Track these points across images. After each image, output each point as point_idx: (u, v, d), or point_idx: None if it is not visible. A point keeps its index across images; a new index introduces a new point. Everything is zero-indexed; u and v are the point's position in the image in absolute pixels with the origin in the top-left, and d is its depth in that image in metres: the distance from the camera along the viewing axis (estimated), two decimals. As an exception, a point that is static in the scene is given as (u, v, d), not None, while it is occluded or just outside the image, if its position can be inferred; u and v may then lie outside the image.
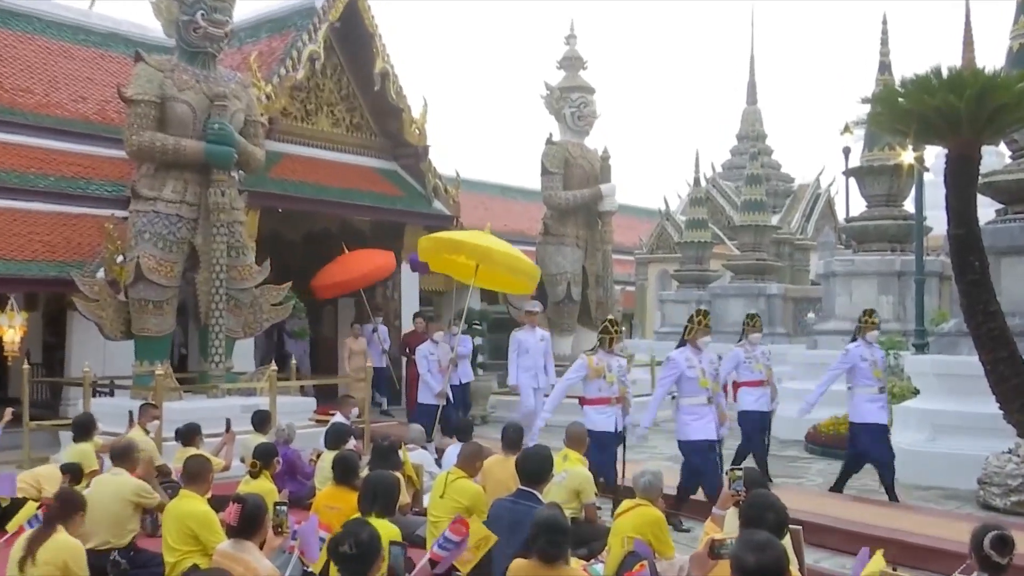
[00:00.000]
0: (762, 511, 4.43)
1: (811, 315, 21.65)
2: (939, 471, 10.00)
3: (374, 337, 16.77)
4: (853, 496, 9.85)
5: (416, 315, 16.48)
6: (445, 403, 12.76)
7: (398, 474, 6.81)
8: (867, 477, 10.84)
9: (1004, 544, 3.99)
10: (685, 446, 8.74)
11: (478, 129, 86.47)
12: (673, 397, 9.10)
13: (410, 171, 18.10)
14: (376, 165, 17.87)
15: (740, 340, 10.61)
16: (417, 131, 17.72)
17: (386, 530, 4.71)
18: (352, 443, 8.83)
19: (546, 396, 13.08)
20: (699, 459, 8.61)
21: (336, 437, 8.25)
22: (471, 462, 6.87)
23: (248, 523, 4.81)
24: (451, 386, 13.23)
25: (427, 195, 17.92)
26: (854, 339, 10.10)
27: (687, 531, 8.35)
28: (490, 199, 27.93)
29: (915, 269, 13.51)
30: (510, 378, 13.06)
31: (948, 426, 10.24)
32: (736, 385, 10.24)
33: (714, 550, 4.06)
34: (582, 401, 9.49)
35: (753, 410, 10.21)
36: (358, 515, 5.20)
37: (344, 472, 6.46)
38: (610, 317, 10.01)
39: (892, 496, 9.50)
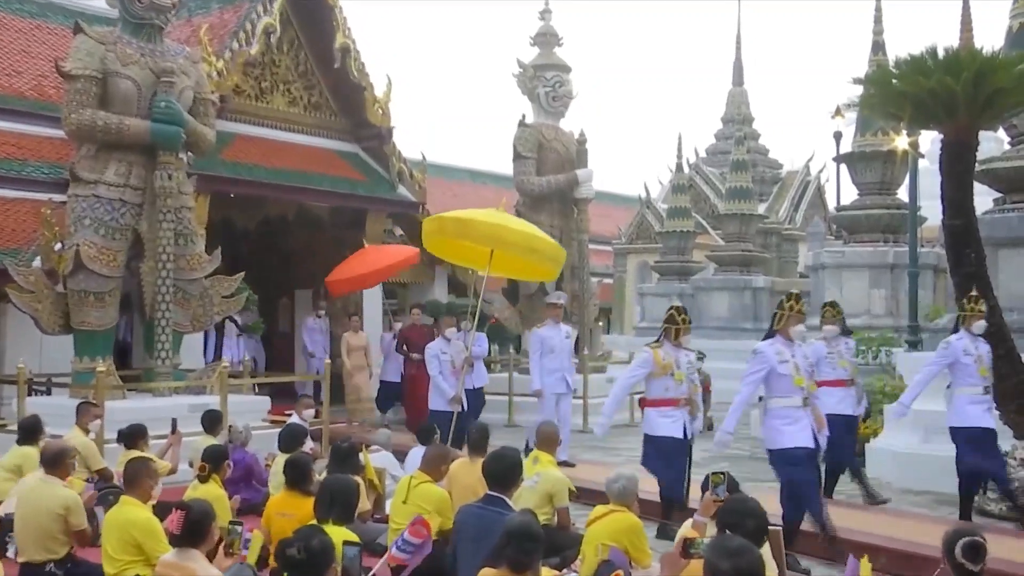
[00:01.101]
0: (741, 517, 4.45)
1: (799, 310, 21.78)
2: (932, 475, 10.09)
3: (392, 347, 15.79)
4: (842, 502, 9.93)
5: (414, 305, 15.98)
6: (460, 410, 11.70)
7: (358, 478, 6.80)
8: (856, 482, 10.93)
9: (976, 551, 4.06)
10: (778, 456, 7.69)
11: (446, 110, 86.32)
12: (760, 398, 8.10)
13: (373, 154, 18.03)
14: (336, 147, 17.78)
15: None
16: (380, 111, 17.62)
17: (345, 536, 4.70)
18: (309, 445, 8.79)
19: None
20: (798, 471, 7.58)
21: (291, 439, 8.21)
22: (436, 465, 6.87)
23: (193, 531, 4.76)
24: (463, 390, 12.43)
25: (391, 180, 17.86)
26: (956, 330, 9.33)
27: (806, 572, 7.44)
28: (459, 185, 27.92)
29: (909, 261, 13.60)
30: (533, 382, 12.08)
31: (942, 427, 10.27)
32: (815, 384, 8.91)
33: (686, 549, 4.09)
34: (643, 403, 8.82)
35: (836, 414, 9.12)
36: (313, 522, 5.17)
37: (296, 475, 6.41)
38: (676, 304, 9.22)
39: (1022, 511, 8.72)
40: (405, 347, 15.08)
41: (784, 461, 7.62)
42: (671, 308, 8.90)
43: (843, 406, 9.46)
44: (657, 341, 8.76)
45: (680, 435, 8.49)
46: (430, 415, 12.05)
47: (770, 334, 7.99)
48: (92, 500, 7.24)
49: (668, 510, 8.57)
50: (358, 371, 15.32)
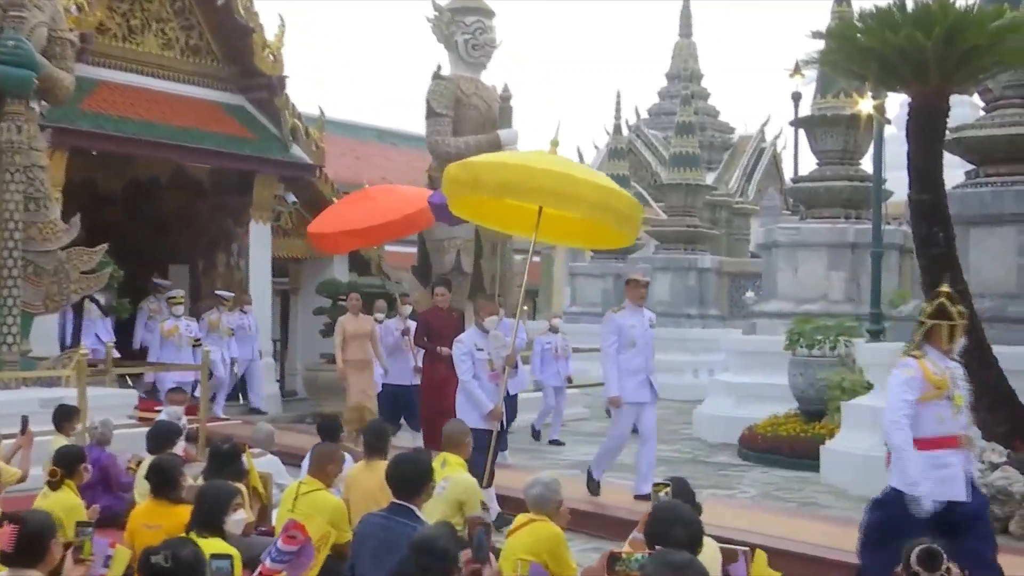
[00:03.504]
0: (669, 526, 4.46)
1: (750, 294, 22.19)
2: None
3: (402, 340, 13.88)
4: (791, 511, 10.15)
5: (438, 282, 13.66)
6: (500, 429, 9.89)
7: (241, 485, 6.76)
8: (809, 488, 11.20)
9: (932, 559, 4.26)
10: None
11: (349, 59, 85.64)
12: None
13: (262, 107, 17.84)
14: (219, 99, 17.55)
15: None
16: (271, 57, 17.44)
17: (216, 548, 4.70)
18: (181, 446, 8.71)
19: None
20: None
21: (160, 439, 8.12)
22: (322, 466, 6.86)
23: (28, 549, 4.67)
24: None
25: (283, 138, 17.67)
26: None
27: None
28: (363, 145, 27.77)
29: (872, 240, 13.92)
30: (608, 387, 10.29)
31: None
32: None
33: (611, 565, 4.14)
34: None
35: None
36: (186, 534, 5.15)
37: (161, 481, 6.35)
38: (945, 289, 6.84)
39: None
40: (426, 338, 12.74)
41: None
42: (939, 295, 6.72)
43: None
44: (915, 345, 6.70)
45: (965, 496, 6.44)
46: None
47: None
48: None
49: None
50: (358, 368, 13.62)
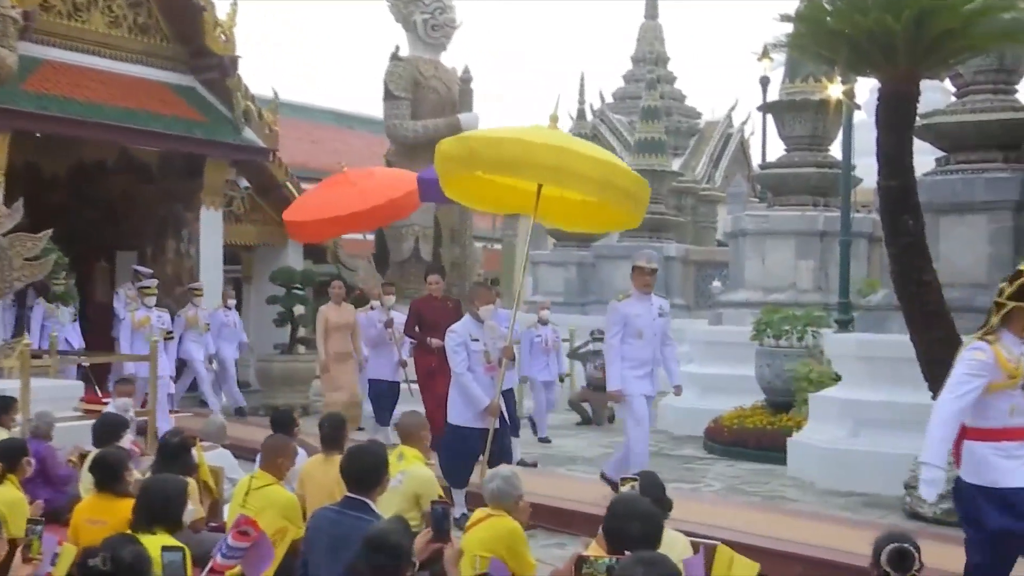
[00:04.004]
0: (626, 521, 4.39)
1: (716, 283, 22.26)
2: (861, 473, 10.45)
3: (385, 332, 13.19)
4: (757, 504, 10.22)
5: (431, 270, 13.08)
6: (498, 425, 9.58)
7: (190, 479, 6.73)
8: (775, 482, 11.28)
9: (903, 559, 4.29)
10: None
11: (305, 39, 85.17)
12: None
13: (213, 89, 17.74)
14: (168, 79, 17.44)
15: None
16: (223, 37, 17.35)
17: (162, 543, 4.68)
18: (128, 439, 8.65)
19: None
20: None
21: (105, 432, 8.06)
22: (273, 460, 6.84)
23: None
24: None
25: (235, 120, 17.59)
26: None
27: None
28: (319, 128, 27.71)
29: (840, 228, 14.01)
30: (611, 380, 9.94)
31: (873, 419, 10.69)
32: None
33: (579, 568, 4.14)
34: (966, 433, 6.12)
35: None
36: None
37: (105, 475, 6.30)
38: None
39: None
40: (418, 328, 12.12)
41: None
42: (1021, 275, 6.03)
43: None
44: (988, 329, 6.11)
45: None
46: (449, 433, 9.65)
47: None
48: None
49: None
50: (340, 361, 13.30)
